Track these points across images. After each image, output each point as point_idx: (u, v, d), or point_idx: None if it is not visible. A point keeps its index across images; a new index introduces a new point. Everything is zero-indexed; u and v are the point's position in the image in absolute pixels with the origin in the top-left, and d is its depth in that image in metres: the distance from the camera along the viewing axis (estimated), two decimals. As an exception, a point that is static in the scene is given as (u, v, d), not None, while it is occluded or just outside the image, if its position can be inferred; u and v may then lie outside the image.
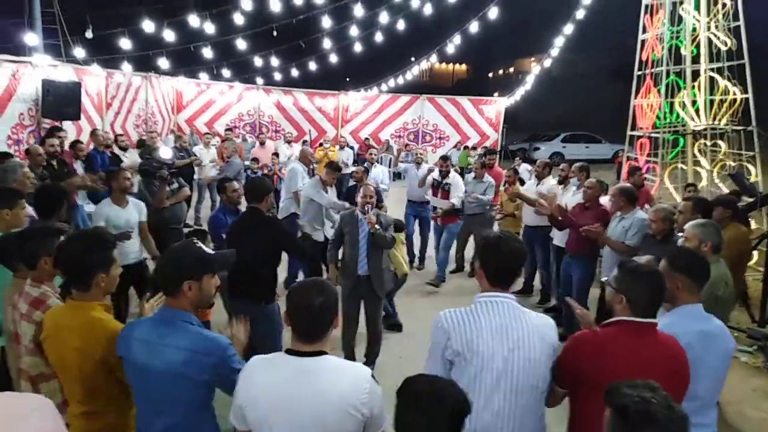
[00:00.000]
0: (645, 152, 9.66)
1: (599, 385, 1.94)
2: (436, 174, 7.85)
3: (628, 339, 2.19)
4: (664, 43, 9.22)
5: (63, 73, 9.55)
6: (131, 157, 8.63)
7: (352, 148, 14.61)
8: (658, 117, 9.35)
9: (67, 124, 9.11)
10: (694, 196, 4.97)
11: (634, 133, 9.95)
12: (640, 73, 9.81)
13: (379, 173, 8.64)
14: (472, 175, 7.92)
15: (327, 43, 13.27)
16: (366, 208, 4.74)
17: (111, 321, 2.40)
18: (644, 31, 9.77)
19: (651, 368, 2.05)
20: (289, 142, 13.28)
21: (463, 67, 48.03)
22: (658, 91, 9.35)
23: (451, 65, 46.22)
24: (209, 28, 10.38)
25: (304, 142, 14.27)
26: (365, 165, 8.54)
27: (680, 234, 3.73)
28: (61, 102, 8.81)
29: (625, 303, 2.24)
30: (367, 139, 16.59)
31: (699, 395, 2.40)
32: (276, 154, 11.33)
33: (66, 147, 7.40)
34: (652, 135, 9.49)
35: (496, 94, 19.14)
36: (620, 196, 5.12)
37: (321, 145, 13.08)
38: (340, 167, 7.43)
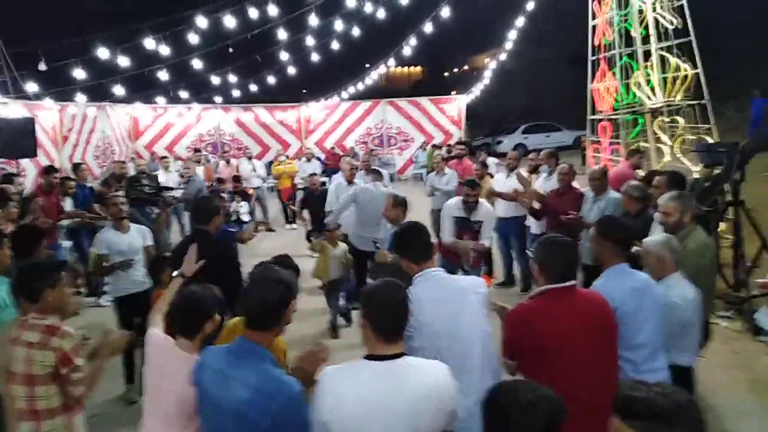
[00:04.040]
0: (607, 135, 9.90)
1: (537, 351, 2.36)
2: (455, 206, 5.59)
3: (552, 305, 2.42)
4: (614, 27, 9.50)
5: (14, 110, 9.25)
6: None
7: (319, 159, 14.52)
8: (616, 99, 9.60)
9: (24, 162, 8.81)
10: (667, 171, 5.07)
11: (594, 117, 10.20)
12: (593, 58, 10.08)
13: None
14: (435, 171, 8.00)
15: (284, 56, 13.20)
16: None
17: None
18: (594, 17, 10.04)
19: (577, 326, 2.35)
20: (250, 158, 13.13)
21: (418, 69, 48.45)
22: (614, 73, 9.61)
23: (406, 68, 46.55)
24: (164, 50, 10.19)
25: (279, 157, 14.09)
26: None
27: (658, 211, 3.78)
28: (15, 139, 8.52)
29: (541, 271, 2.51)
30: (333, 147, 16.54)
31: (645, 342, 2.69)
32: (237, 176, 11.01)
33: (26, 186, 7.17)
34: (612, 117, 9.74)
35: (453, 93, 19.36)
36: (603, 177, 5.26)
37: (279, 159, 12.79)
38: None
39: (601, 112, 10.13)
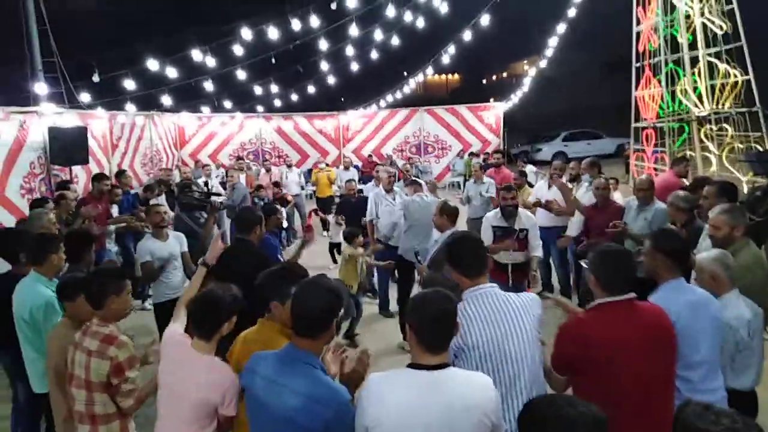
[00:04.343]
0: (651, 143, 9.66)
1: (593, 366, 2.28)
2: (493, 216, 5.38)
3: (610, 319, 2.33)
4: (660, 33, 9.27)
5: (68, 119, 9.68)
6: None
7: (356, 167, 14.64)
8: (660, 107, 9.36)
9: (76, 169, 9.20)
10: (718, 180, 4.88)
11: (639, 125, 9.96)
12: (638, 65, 9.86)
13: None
14: (472, 180, 7.94)
15: (324, 65, 13.41)
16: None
17: None
18: (638, 23, 9.82)
19: (635, 341, 2.26)
20: (290, 166, 13.36)
21: (456, 76, 48.36)
22: (658, 81, 9.38)
23: (444, 76, 46.53)
24: (209, 61, 10.51)
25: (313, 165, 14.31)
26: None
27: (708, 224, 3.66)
28: (68, 148, 8.91)
29: (596, 283, 2.43)
30: (370, 155, 16.65)
31: (703, 361, 2.57)
32: (277, 183, 11.27)
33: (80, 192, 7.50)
34: (657, 125, 9.49)
35: (492, 100, 19.22)
36: (650, 187, 5.08)
37: (318, 167, 13.03)
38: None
39: (645, 119, 9.88)
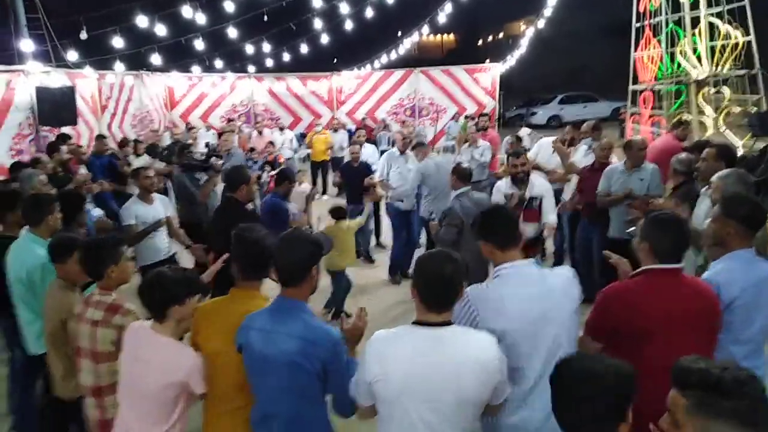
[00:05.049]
0: (649, 106, 9.58)
1: (632, 335, 2.25)
2: (504, 184, 5.10)
3: (656, 286, 2.30)
4: (661, -8, 9.09)
5: (55, 78, 9.45)
6: (141, 161, 8.54)
7: (349, 130, 14.43)
8: (660, 69, 9.24)
9: (65, 129, 9.03)
10: (717, 143, 4.87)
11: (637, 87, 9.86)
12: (638, 25, 9.68)
13: (370, 154, 8.61)
14: (467, 143, 7.86)
15: (317, 24, 13.07)
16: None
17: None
18: (639, -19, 9.61)
19: (680, 311, 2.23)
20: (282, 129, 13.18)
21: (451, 37, 47.39)
22: (658, 41, 9.23)
23: (439, 36, 45.59)
24: (200, 18, 10.20)
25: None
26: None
27: (707, 184, 3.65)
28: (56, 108, 8.73)
29: (648, 250, 2.34)
30: (364, 118, 16.45)
31: (752, 338, 2.50)
32: (271, 143, 11.22)
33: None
34: (656, 87, 9.39)
35: (487, 61, 18.89)
36: (645, 148, 5.07)
37: (315, 129, 12.85)
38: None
39: (643, 82, 9.77)
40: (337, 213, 5.84)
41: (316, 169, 12.03)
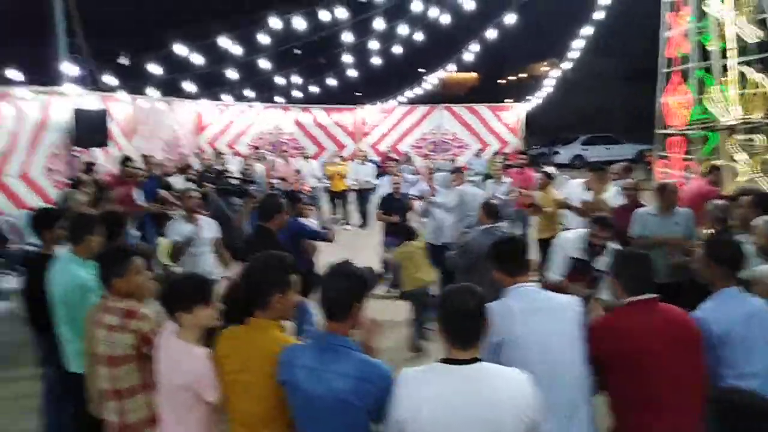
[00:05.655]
0: (681, 150, 9.55)
1: (622, 361, 2.40)
2: (575, 242, 4.38)
3: (635, 316, 2.46)
4: (691, 39, 9.13)
5: (91, 101, 9.71)
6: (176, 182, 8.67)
7: (375, 162, 14.54)
8: (692, 114, 9.24)
9: (96, 151, 9.25)
10: (753, 189, 4.84)
11: (665, 131, 9.83)
12: (666, 70, 9.71)
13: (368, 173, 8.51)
14: (492, 180, 7.91)
15: (346, 58, 13.34)
16: None
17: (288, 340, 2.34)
18: (669, 28, 9.68)
19: (660, 337, 2.38)
20: (306, 158, 13.35)
21: (474, 75, 48.03)
22: (688, 87, 9.24)
23: (462, 74, 46.24)
24: (231, 47, 10.47)
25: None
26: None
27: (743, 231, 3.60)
28: (90, 130, 8.97)
29: (618, 284, 2.56)
30: (388, 150, 16.60)
31: (757, 373, 2.53)
32: (298, 171, 11.40)
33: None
34: (686, 132, 9.36)
35: (511, 100, 19.07)
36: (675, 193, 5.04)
37: (334, 160, 12.98)
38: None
39: (671, 126, 9.75)
40: (406, 233, 5.77)
41: (335, 198, 12.13)
